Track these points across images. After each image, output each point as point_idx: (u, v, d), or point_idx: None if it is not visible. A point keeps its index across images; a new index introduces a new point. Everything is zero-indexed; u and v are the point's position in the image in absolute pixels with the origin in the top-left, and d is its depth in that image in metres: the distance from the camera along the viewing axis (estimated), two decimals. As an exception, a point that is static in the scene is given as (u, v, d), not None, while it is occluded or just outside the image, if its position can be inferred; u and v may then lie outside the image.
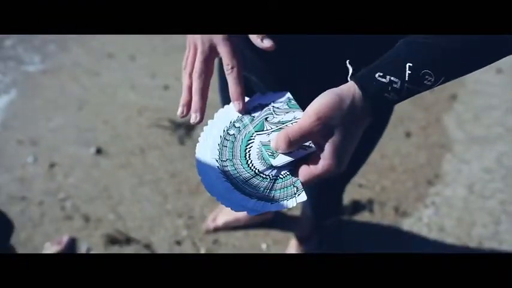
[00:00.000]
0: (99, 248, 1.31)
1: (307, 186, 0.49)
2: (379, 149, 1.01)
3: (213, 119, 0.56)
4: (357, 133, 0.47)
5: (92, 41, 2.09)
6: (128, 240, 1.32)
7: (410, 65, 0.44)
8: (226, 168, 0.51)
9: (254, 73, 0.66)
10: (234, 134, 0.53)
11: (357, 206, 1.43)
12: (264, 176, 0.50)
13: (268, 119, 0.54)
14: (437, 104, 1.81)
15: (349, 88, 0.46)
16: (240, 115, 0.55)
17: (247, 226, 1.36)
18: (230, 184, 0.50)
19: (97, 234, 1.34)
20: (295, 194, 0.49)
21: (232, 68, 0.53)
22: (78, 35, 2.03)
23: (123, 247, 1.31)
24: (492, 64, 0.47)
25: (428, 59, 0.44)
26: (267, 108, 0.55)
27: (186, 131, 1.65)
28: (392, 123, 0.83)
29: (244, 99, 0.55)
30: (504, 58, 0.46)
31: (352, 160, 0.49)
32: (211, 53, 0.54)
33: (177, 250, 1.32)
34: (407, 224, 1.39)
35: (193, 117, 0.54)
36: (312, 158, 0.48)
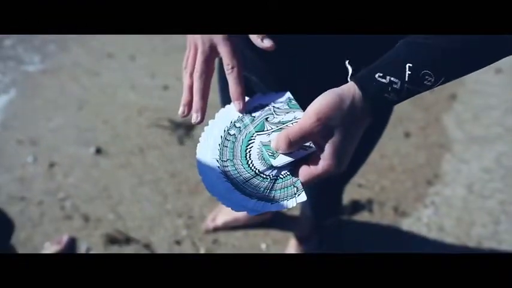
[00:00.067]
0: (98, 248, 1.31)
1: (307, 186, 0.49)
2: (378, 149, 1.01)
3: (213, 119, 0.56)
4: (357, 133, 0.47)
5: (92, 41, 2.09)
6: (128, 240, 1.32)
7: (410, 65, 0.44)
8: (226, 169, 0.51)
9: (254, 73, 0.66)
10: (234, 134, 0.53)
11: (357, 206, 1.43)
12: (264, 176, 0.50)
13: (268, 119, 0.54)
14: (437, 104, 1.81)
15: (349, 88, 0.46)
16: (241, 115, 0.55)
17: (247, 226, 1.36)
18: (230, 184, 0.50)
19: (97, 234, 1.34)
20: (295, 194, 0.49)
21: (232, 67, 0.54)
22: (78, 35, 2.03)
23: (122, 247, 1.31)
24: (492, 64, 0.47)
25: (428, 59, 0.44)
26: (267, 108, 0.55)
27: (186, 131, 1.65)
28: (392, 123, 0.83)
29: (244, 99, 0.55)
30: (504, 58, 0.46)
31: (351, 160, 0.49)
32: (212, 53, 0.54)
33: (177, 250, 1.32)
34: (406, 224, 1.39)
35: (195, 117, 0.54)
36: (312, 158, 0.48)
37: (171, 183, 1.49)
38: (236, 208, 0.49)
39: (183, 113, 0.55)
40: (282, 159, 0.49)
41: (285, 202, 0.49)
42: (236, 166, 0.51)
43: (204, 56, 0.54)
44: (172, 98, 1.80)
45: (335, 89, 0.46)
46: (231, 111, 0.55)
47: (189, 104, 0.55)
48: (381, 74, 0.45)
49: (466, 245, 1.34)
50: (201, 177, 0.51)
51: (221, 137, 0.54)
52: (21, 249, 1.27)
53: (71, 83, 1.88)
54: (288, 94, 0.56)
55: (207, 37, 0.54)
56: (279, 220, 1.38)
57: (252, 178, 0.50)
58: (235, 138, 0.53)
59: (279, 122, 0.53)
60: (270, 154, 0.50)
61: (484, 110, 1.78)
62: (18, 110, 1.75)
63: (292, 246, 1.28)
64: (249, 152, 0.52)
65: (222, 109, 0.56)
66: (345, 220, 1.40)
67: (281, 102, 0.55)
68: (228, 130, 0.54)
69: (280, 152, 0.49)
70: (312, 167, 0.47)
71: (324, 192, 1.02)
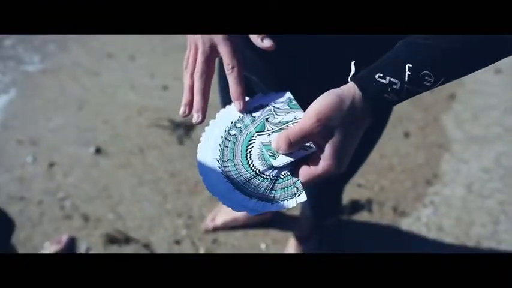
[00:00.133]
0: (98, 248, 1.31)
1: (307, 186, 0.49)
2: (378, 149, 1.02)
3: (214, 119, 0.56)
4: (357, 134, 0.47)
5: (92, 41, 2.09)
6: (127, 240, 1.32)
7: (410, 65, 0.44)
8: (227, 169, 0.51)
9: (254, 73, 0.66)
10: (235, 135, 0.54)
11: (356, 206, 1.43)
12: (264, 176, 0.50)
13: (269, 120, 0.54)
14: (436, 104, 1.81)
15: (349, 89, 0.46)
16: (241, 115, 0.55)
17: (246, 226, 1.36)
18: (231, 184, 0.50)
19: (96, 234, 1.34)
20: (295, 194, 0.49)
21: (232, 67, 0.54)
22: (78, 35, 2.03)
23: (122, 247, 1.31)
24: (491, 64, 0.47)
25: (428, 60, 0.44)
26: (267, 108, 0.55)
27: (186, 130, 1.65)
28: (391, 123, 0.83)
29: (244, 99, 0.55)
30: (504, 58, 0.46)
31: (351, 160, 0.49)
32: (212, 53, 0.54)
33: (177, 250, 1.32)
34: (406, 224, 1.39)
35: (196, 117, 0.54)
36: (312, 159, 0.48)
37: (170, 183, 1.49)
38: (236, 208, 0.49)
39: (184, 112, 0.56)
40: (282, 160, 0.49)
41: (285, 202, 0.49)
42: (237, 166, 0.51)
43: (204, 56, 0.54)
44: (172, 98, 1.80)
45: (335, 89, 0.46)
46: (232, 112, 0.55)
47: (190, 104, 0.55)
48: (381, 75, 0.45)
49: (466, 244, 1.34)
50: (201, 177, 0.51)
51: (222, 137, 0.54)
52: (21, 249, 1.27)
53: (70, 83, 1.88)
54: (288, 94, 0.56)
55: (207, 37, 0.54)
56: (278, 220, 1.38)
57: (252, 178, 0.50)
58: (236, 138, 0.53)
59: (280, 122, 0.53)
60: (270, 154, 0.50)
61: (484, 110, 1.79)
62: (18, 110, 1.75)
63: (291, 246, 1.28)
64: (250, 152, 0.52)
65: (223, 109, 0.56)
66: (344, 220, 1.40)
67: (281, 102, 0.55)
68: (228, 130, 0.54)
69: (280, 152, 0.49)
70: (312, 167, 0.48)
71: (324, 192, 1.02)
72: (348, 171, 0.88)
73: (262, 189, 0.49)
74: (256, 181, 0.50)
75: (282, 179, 0.50)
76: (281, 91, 0.57)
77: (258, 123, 0.54)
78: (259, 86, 0.67)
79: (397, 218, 1.41)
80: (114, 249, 1.31)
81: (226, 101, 0.74)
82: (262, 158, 0.51)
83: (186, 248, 1.32)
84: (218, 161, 0.52)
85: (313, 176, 0.47)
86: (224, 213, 1.34)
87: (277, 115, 0.54)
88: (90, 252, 1.31)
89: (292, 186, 0.49)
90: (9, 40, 2.09)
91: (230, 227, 1.35)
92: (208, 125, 0.55)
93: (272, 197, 0.49)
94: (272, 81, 0.64)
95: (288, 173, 0.50)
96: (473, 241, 1.35)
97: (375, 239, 1.35)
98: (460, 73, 0.46)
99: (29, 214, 1.38)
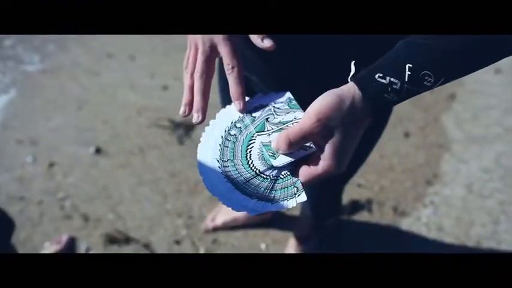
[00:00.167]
0: (98, 248, 1.31)
1: (307, 186, 0.49)
2: (378, 149, 1.02)
3: (214, 119, 0.56)
4: (357, 134, 0.47)
5: (92, 41, 2.09)
6: (127, 240, 1.32)
7: (410, 66, 0.44)
8: (227, 169, 0.51)
9: (254, 73, 0.66)
10: (235, 135, 0.54)
11: (356, 206, 1.43)
12: (264, 176, 0.50)
13: (269, 120, 0.54)
14: (436, 104, 1.81)
15: (349, 89, 0.46)
16: (241, 115, 0.55)
17: (246, 226, 1.36)
18: (231, 184, 0.50)
19: (96, 234, 1.34)
20: (295, 194, 0.49)
21: (232, 67, 0.54)
22: (78, 35, 2.03)
23: (122, 247, 1.31)
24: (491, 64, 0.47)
25: (428, 60, 0.44)
26: (267, 108, 0.55)
27: (185, 130, 1.65)
28: (391, 123, 0.83)
29: (244, 99, 0.55)
30: (504, 58, 0.46)
31: (351, 160, 0.49)
32: (212, 53, 0.54)
33: (177, 250, 1.32)
34: (406, 224, 1.39)
35: (196, 117, 0.54)
36: (312, 159, 0.48)
37: (170, 183, 1.49)
38: (236, 208, 0.49)
39: (184, 112, 0.56)
40: (282, 160, 0.49)
41: (285, 202, 0.49)
42: (237, 166, 0.51)
43: (204, 56, 0.54)
44: (172, 98, 1.80)
45: (335, 89, 0.46)
46: (232, 112, 0.55)
47: (190, 104, 0.55)
48: (381, 75, 0.45)
49: (465, 244, 1.34)
50: (201, 177, 0.51)
51: (222, 137, 0.54)
52: (20, 249, 1.27)
53: (70, 83, 1.88)
54: (288, 94, 0.56)
55: (207, 37, 0.54)
56: (278, 220, 1.38)
57: (252, 178, 0.50)
58: (236, 138, 0.53)
59: (280, 122, 0.53)
60: (270, 154, 0.50)
61: (484, 110, 1.79)
62: (18, 109, 1.75)
63: (291, 246, 1.28)
64: (250, 152, 0.52)
65: (223, 109, 0.56)
66: (344, 220, 1.40)
67: (281, 102, 0.55)
68: (228, 130, 0.54)
69: (280, 152, 0.49)
70: (312, 167, 0.48)
71: (324, 192, 1.02)
72: (348, 171, 0.88)
73: (262, 189, 0.49)
74: (256, 181, 0.50)
75: (282, 179, 0.50)
76: (281, 91, 0.57)
77: (258, 123, 0.54)
78: (259, 86, 0.67)
79: (397, 218, 1.41)
80: (114, 249, 1.31)
81: (226, 101, 0.74)
82: (262, 158, 0.51)
83: (186, 248, 1.32)
84: (218, 161, 0.52)
85: (313, 176, 0.47)
86: (224, 213, 1.34)
87: (277, 115, 0.54)
88: (90, 252, 1.31)
89: (292, 186, 0.49)
90: (9, 40, 2.09)
91: (230, 227, 1.35)
92: (208, 125, 0.55)
93: (272, 197, 0.49)
94: (272, 81, 0.64)
95: (288, 173, 0.50)
96: (473, 241, 1.35)
97: (375, 239, 1.35)
98: (460, 73, 0.46)
99: (29, 214, 1.38)
